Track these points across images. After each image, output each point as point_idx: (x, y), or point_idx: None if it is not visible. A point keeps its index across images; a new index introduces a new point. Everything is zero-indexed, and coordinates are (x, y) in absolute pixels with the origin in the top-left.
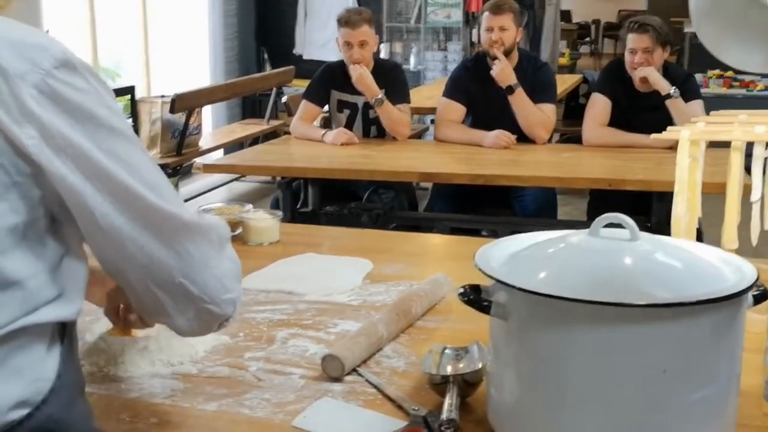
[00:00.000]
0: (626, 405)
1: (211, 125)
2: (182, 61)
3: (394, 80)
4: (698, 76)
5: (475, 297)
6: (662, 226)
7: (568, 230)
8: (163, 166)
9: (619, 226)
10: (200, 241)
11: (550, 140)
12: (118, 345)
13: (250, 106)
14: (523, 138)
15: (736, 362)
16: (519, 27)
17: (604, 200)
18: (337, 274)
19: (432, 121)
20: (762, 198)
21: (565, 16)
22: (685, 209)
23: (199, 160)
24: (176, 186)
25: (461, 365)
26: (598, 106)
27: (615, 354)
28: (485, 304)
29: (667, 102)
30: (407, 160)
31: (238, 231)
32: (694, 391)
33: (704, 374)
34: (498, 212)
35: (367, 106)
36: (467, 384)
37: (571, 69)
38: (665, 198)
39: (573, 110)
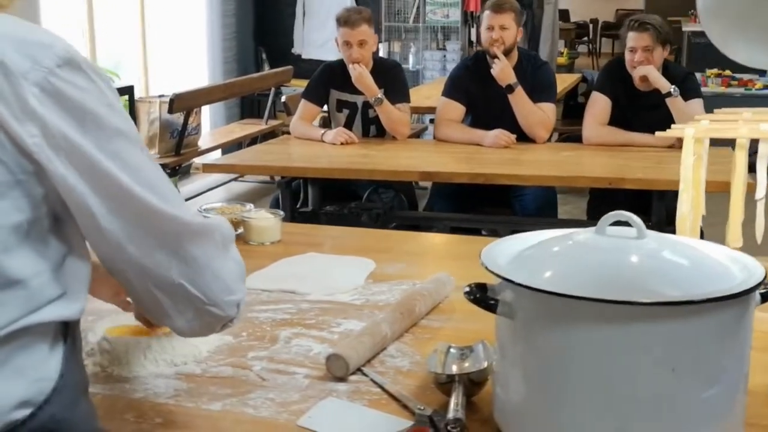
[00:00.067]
0: (634, 404)
1: (210, 125)
2: (180, 61)
3: (393, 79)
4: (697, 75)
5: (481, 296)
6: (662, 225)
7: (573, 228)
8: (162, 166)
9: (625, 224)
10: (204, 243)
11: (549, 140)
12: (121, 345)
13: (249, 106)
14: (523, 137)
15: (744, 361)
16: (519, 26)
17: (604, 199)
18: (339, 274)
19: (431, 121)
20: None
21: (563, 15)
22: (689, 207)
23: (197, 160)
24: (175, 186)
25: (466, 364)
26: (598, 105)
27: (622, 353)
28: (491, 302)
29: (667, 101)
30: (407, 159)
31: (240, 231)
32: (703, 389)
33: (712, 373)
34: (498, 211)
35: (367, 105)
36: (473, 383)
37: (569, 68)
38: (665, 197)
39: (572, 110)
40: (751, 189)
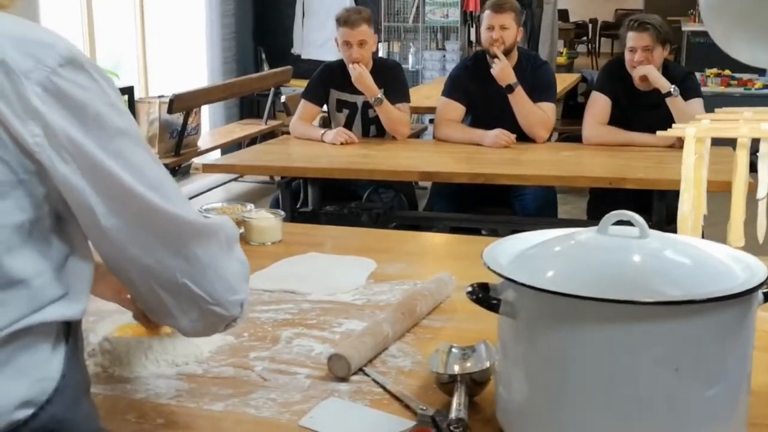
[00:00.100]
0: (637, 403)
1: (209, 125)
2: (180, 61)
3: (393, 79)
4: (696, 75)
5: (483, 295)
6: (662, 225)
7: (575, 228)
8: None
9: (627, 223)
10: (208, 242)
11: (549, 139)
12: (122, 345)
13: (248, 106)
14: (523, 137)
15: (747, 360)
16: (519, 26)
17: (604, 199)
18: (340, 274)
19: (430, 121)
20: None
21: (563, 15)
22: (691, 207)
23: (197, 161)
24: None
25: (468, 364)
26: (598, 104)
27: (625, 352)
28: (494, 302)
29: (667, 100)
30: (407, 159)
31: (240, 231)
32: (705, 389)
33: (715, 373)
34: (498, 211)
35: (367, 105)
36: (475, 383)
37: (568, 68)
38: (666, 196)
39: (571, 109)
40: (752, 188)
